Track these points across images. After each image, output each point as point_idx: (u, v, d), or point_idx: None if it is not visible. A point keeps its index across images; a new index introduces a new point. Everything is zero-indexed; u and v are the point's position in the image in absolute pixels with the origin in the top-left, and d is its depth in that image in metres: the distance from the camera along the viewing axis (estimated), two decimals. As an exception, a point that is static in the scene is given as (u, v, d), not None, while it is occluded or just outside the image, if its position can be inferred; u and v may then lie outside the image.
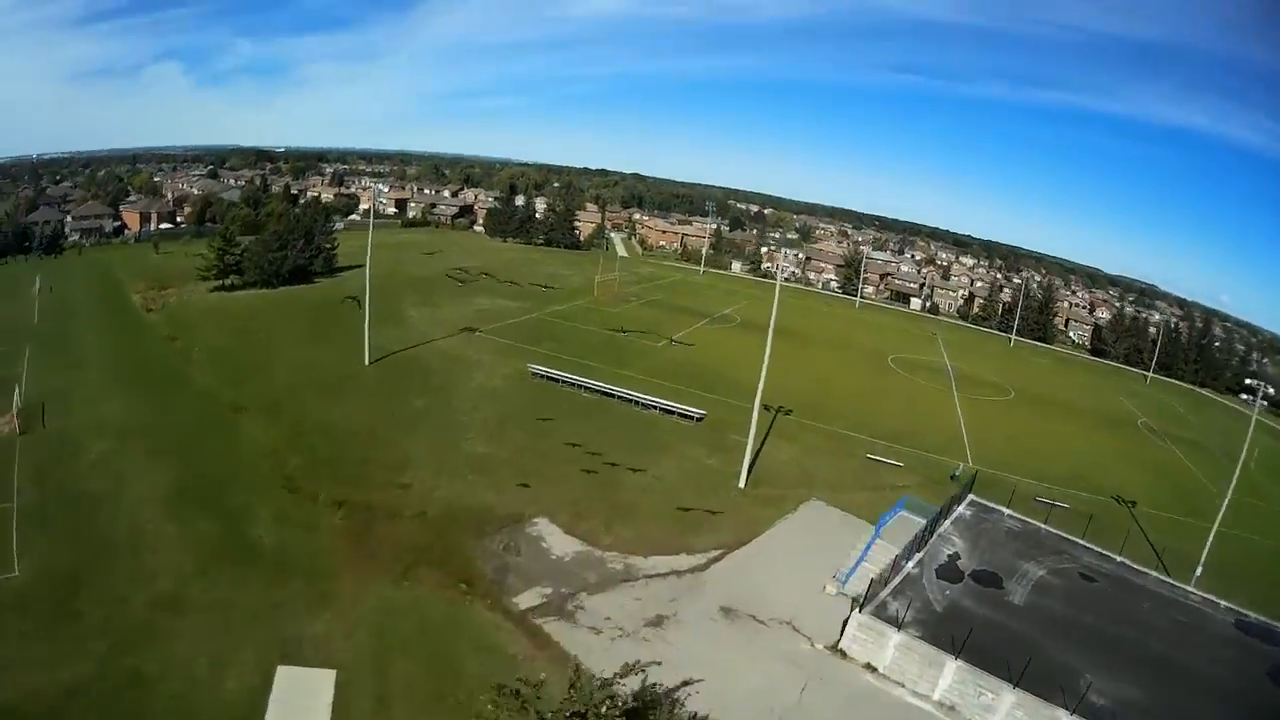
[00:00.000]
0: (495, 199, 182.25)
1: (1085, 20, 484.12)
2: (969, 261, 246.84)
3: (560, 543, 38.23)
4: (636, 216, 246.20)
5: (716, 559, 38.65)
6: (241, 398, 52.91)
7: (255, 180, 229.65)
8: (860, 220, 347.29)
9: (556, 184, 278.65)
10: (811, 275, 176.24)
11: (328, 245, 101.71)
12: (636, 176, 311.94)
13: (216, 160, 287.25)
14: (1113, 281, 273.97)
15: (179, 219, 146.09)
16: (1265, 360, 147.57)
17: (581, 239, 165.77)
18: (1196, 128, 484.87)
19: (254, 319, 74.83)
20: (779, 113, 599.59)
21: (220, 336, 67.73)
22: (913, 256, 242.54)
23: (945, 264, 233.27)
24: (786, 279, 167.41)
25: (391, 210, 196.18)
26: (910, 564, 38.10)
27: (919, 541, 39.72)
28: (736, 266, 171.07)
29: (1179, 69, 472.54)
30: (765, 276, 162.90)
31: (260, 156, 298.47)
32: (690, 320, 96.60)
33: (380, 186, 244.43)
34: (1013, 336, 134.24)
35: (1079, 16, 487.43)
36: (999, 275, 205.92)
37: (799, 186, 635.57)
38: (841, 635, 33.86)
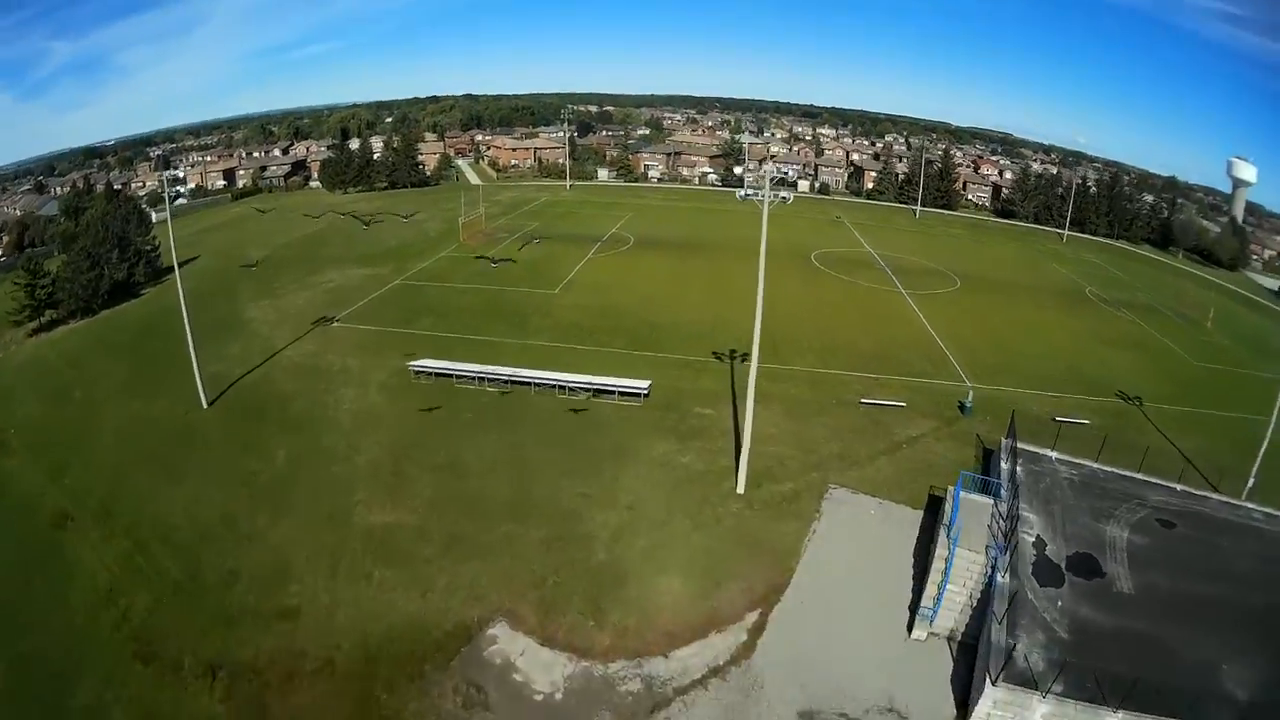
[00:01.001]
0: (328, 149, 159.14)
1: None
2: (829, 132, 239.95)
3: (540, 664, 26.11)
4: (480, 138, 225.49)
5: (758, 627, 27.64)
6: (64, 498, 37.17)
7: (78, 184, 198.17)
8: (701, 105, 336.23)
9: (389, 120, 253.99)
10: (685, 171, 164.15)
11: (146, 247, 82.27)
12: (469, 97, 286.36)
13: (46, 170, 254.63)
14: (973, 135, 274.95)
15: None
16: (1179, 204, 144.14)
17: (428, 174, 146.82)
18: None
19: (73, 367, 56.36)
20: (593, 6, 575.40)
21: (36, 403, 49.62)
22: (774, 135, 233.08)
23: (811, 139, 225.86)
24: (659, 180, 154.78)
25: (222, 183, 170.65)
26: (1001, 573, 28.15)
27: (1000, 536, 29.88)
28: (603, 174, 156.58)
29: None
30: (637, 181, 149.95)
31: (89, 155, 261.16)
32: (579, 250, 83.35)
33: (201, 159, 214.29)
34: (918, 208, 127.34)
35: None
36: (871, 143, 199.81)
37: (629, 80, 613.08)
38: (969, 715, 23.89)
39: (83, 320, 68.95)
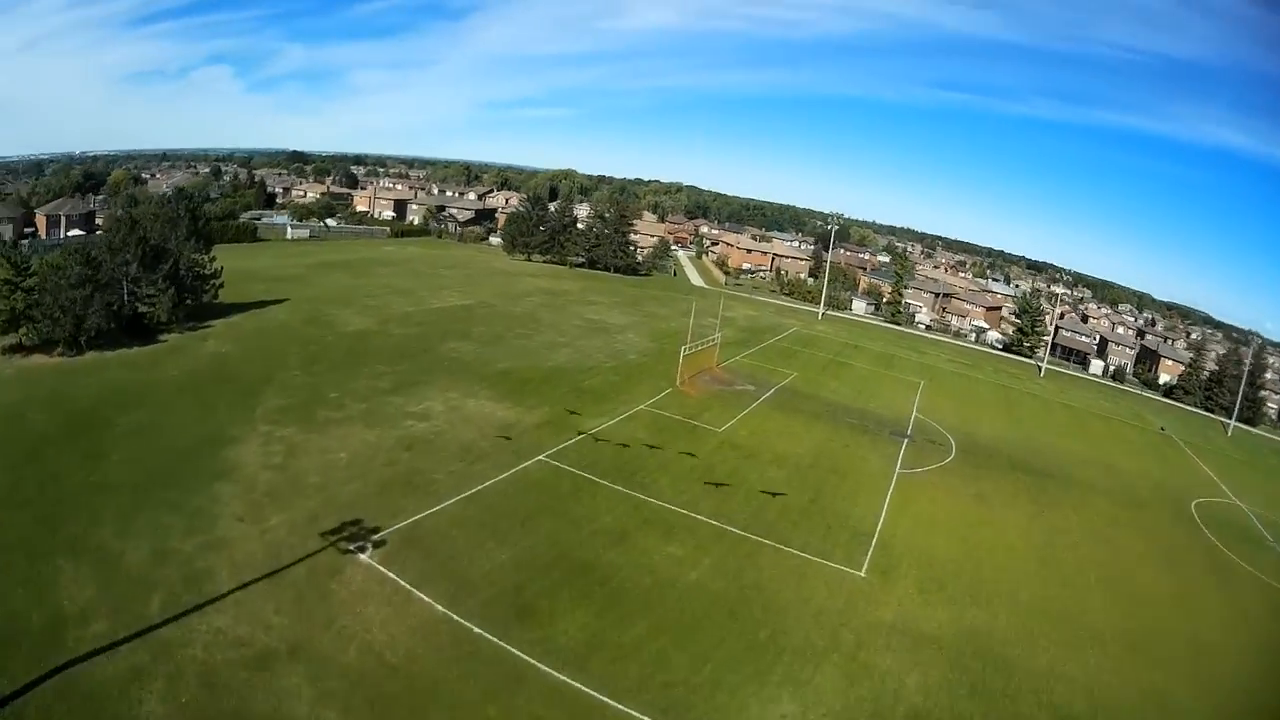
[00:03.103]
0: (520, 202, 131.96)
1: (1131, 39, 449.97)
2: (1065, 292, 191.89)
3: None
4: (706, 229, 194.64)
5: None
6: None
7: (238, 175, 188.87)
8: (921, 239, 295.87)
9: (606, 189, 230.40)
10: (955, 321, 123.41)
11: (198, 270, 53.36)
12: (693, 189, 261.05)
13: (243, 161, 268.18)
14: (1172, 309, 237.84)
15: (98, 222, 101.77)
16: None
17: (639, 259, 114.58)
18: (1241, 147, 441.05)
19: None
20: (827, 128, 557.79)
21: None
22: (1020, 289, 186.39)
23: (1076, 301, 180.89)
24: (927, 327, 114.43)
25: (388, 214, 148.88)
26: None
27: None
28: (859, 306, 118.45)
29: (1221, 90, 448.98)
30: (899, 322, 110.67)
31: (295, 158, 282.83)
32: (874, 452, 45.35)
33: (387, 182, 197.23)
34: (1231, 422, 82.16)
35: (1124, 35, 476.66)
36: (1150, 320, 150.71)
37: (851, 204, 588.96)
38: None
39: (68, 355, 42.15)
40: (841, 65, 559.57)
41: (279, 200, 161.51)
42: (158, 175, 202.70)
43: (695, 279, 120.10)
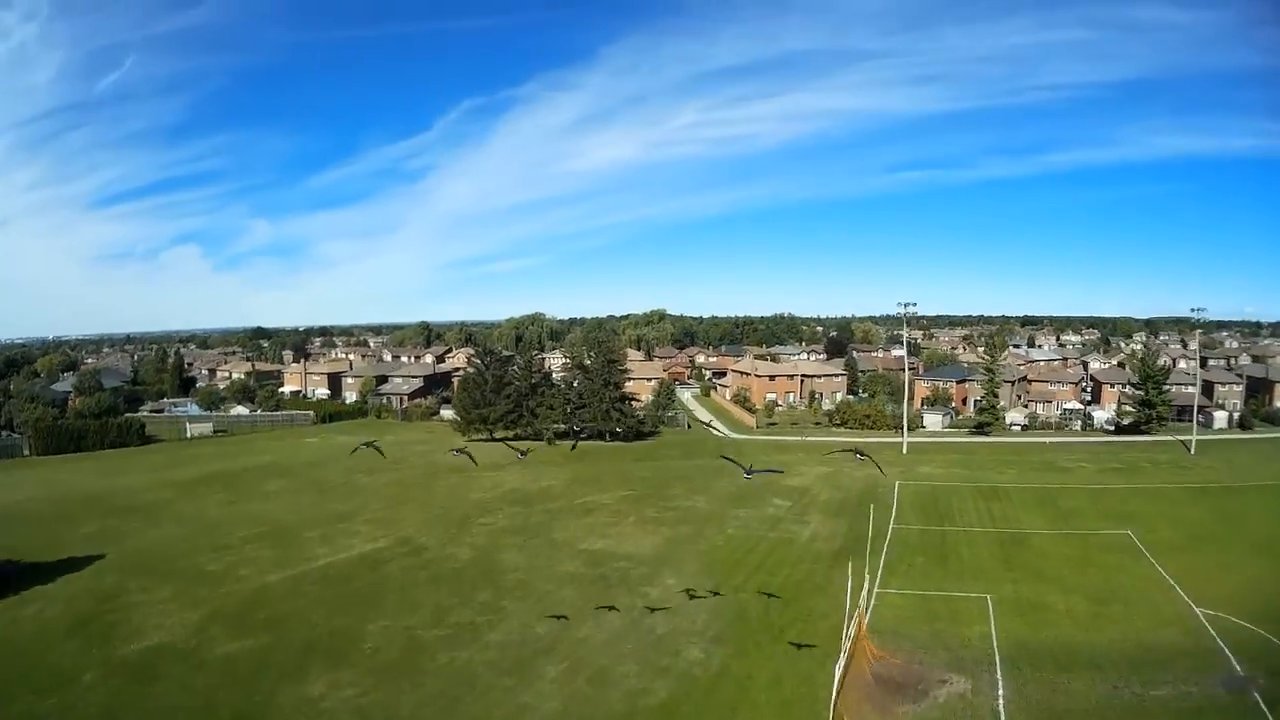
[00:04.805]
0: (469, 359, 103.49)
1: (1067, 75, 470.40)
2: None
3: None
4: (702, 358, 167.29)
5: None
6: None
7: (161, 354, 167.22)
8: (915, 323, 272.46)
9: (579, 331, 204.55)
10: (1041, 409, 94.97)
11: None
12: (677, 317, 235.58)
13: (200, 341, 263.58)
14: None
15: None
16: None
17: (641, 416, 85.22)
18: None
19: None
20: (799, 233, 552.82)
21: None
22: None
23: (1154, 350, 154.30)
24: (1023, 427, 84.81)
25: (322, 391, 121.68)
26: None
27: None
28: (933, 420, 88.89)
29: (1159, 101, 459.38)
30: (987, 432, 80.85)
31: (256, 335, 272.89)
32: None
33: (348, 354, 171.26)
34: None
35: (1059, 74, 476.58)
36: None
37: (842, 303, 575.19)
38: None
39: None
40: (800, 169, 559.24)
41: (201, 384, 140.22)
42: (91, 360, 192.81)
43: (718, 427, 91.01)
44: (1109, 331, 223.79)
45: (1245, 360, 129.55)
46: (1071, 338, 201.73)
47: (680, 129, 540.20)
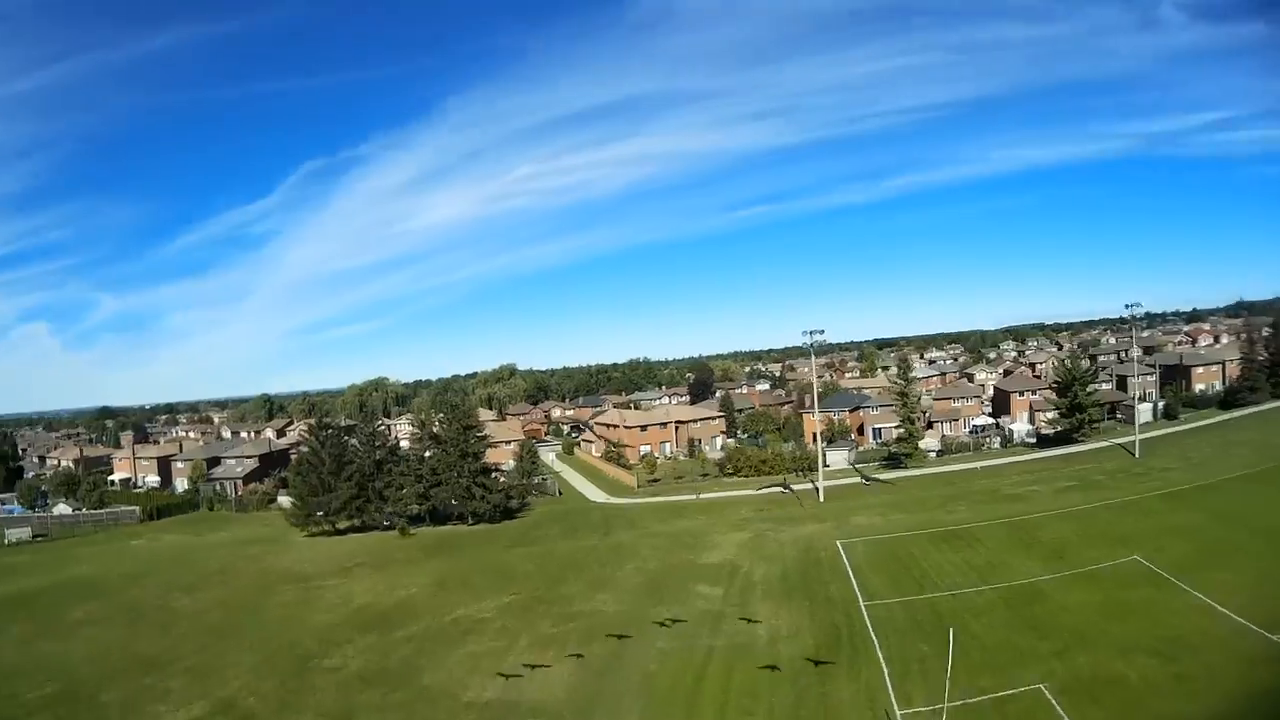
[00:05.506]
0: (303, 435, 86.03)
1: (891, 102, 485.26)
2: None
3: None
4: (558, 413, 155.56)
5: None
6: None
7: None
8: (762, 356, 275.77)
9: (427, 394, 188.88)
10: (945, 429, 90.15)
11: None
12: (527, 371, 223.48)
13: (47, 424, 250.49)
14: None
15: None
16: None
17: (508, 490, 71.82)
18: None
19: None
20: (646, 276, 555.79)
21: None
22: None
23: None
24: (938, 452, 77.99)
25: (153, 479, 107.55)
26: None
27: None
28: (839, 457, 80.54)
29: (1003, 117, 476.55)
30: (915, 463, 73.60)
31: (103, 415, 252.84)
32: None
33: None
34: None
35: (884, 100, 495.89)
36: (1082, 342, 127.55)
37: (699, 343, 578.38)
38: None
39: None
40: (641, 213, 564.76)
41: (31, 473, 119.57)
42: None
43: (592, 491, 79.72)
44: (977, 343, 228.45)
45: (1137, 352, 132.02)
46: (937, 354, 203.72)
47: (518, 180, 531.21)
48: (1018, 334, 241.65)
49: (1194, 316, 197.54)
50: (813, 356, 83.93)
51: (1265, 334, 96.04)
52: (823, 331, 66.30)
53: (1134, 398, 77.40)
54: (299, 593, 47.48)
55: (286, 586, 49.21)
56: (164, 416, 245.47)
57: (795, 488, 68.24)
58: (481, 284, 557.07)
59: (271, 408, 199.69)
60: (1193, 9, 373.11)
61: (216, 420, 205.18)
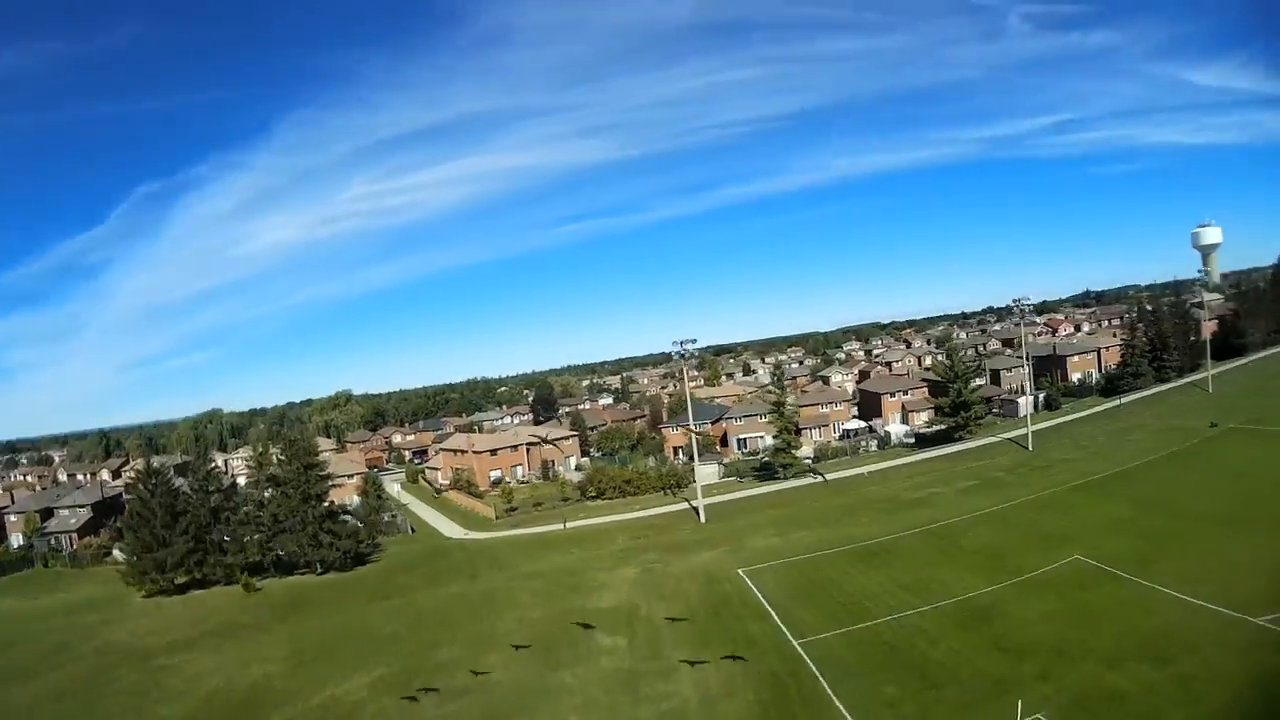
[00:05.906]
0: (135, 481, 71.99)
1: (734, 113, 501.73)
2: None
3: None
4: (399, 439, 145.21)
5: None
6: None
7: None
8: (601, 368, 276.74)
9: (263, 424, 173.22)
10: (815, 435, 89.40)
11: None
12: (364, 396, 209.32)
13: None
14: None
15: None
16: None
17: (355, 526, 63.31)
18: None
19: None
20: (470, 295, 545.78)
21: None
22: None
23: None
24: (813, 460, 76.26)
25: None
26: None
27: None
28: (709, 471, 77.12)
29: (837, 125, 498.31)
30: (792, 473, 71.51)
31: None
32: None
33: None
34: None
35: (725, 112, 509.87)
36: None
37: (522, 361, 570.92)
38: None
39: None
40: (470, 231, 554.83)
41: None
42: None
43: (446, 526, 72.64)
44: (819, 345, 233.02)
45: (995, 345, 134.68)
46: (780, 357, 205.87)
47: (348, 202, 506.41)
48: (858, 334, 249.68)
49: (1044, 308, 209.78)
50: (684, 367, 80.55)
51: (1147, 319, 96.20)
52: (694, 340, 63.41)
53: (1016, 390, 78.73)
54: (141, 676, 39.01)
55: (127, 668, 40.56)
56: (6, 457, 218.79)
57: (669, 508, 64.44)
58: (314, 308, 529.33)
59: (109, 444, 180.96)
60: (1039, 19, 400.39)
61: (56, 459, 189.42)
